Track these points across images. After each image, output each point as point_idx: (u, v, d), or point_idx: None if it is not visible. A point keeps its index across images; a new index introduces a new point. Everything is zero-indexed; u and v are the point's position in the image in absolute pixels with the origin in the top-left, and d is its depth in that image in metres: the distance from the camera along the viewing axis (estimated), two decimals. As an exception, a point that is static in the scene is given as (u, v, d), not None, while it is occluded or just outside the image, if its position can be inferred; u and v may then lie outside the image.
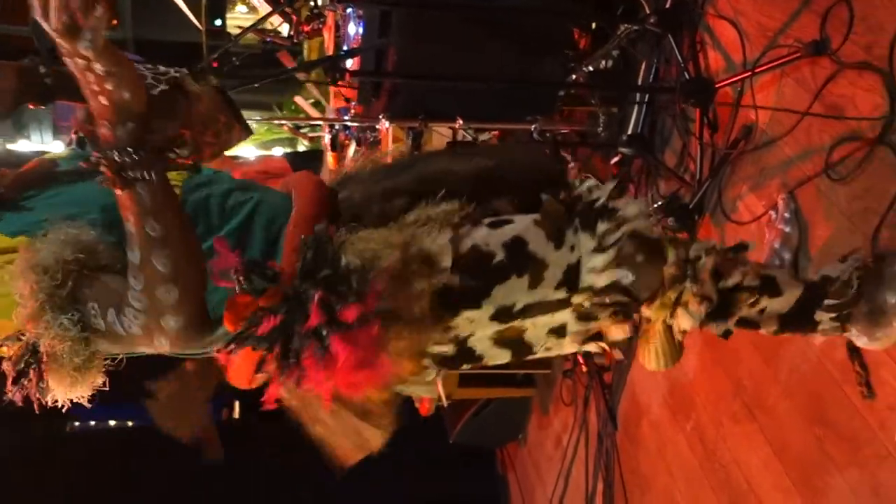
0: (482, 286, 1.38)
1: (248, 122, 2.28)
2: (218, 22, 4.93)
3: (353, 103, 3.18)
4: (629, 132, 3.07)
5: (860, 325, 1.73)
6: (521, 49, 3.06)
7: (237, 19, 7.03)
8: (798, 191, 2.29)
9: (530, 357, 1.52)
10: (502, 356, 1.48)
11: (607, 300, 1.42)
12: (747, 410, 2.52)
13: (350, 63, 3.11)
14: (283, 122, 4.38)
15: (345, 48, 3.26)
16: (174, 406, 1.49)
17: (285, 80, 4.72)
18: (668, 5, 2.85)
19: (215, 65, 2.58)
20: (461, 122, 3.02)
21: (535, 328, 1.45)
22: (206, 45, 4.47)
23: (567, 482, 3.82)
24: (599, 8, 3.26)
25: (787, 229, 2.30)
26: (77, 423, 5.43)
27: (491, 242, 1.41)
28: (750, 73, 2.43)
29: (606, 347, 1.51)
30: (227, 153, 2.29)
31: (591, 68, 3.12)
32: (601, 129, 3.20)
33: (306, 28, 4.05)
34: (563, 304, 1.42)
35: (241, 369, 1.25)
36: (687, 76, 2.72)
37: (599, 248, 1.43)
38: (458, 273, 1.36)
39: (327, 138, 3.22)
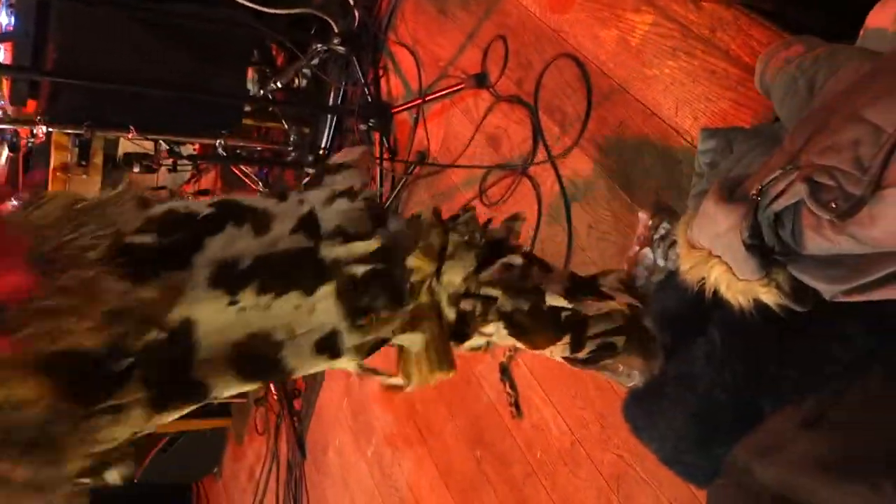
0: (187, 239, 1.06)
1: None
2: None
3: (3, 102, 2.78)
4: (318, 153, 3.02)
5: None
6: (202, 59, 2.87)
7: None
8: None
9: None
10: (247, 387, 1.12)
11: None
12: (419, 433, 2.53)
13: (2, 54, 2.72)
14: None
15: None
16: None
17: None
18: (354, 28, 2.84)
19: None
20: (135, 131, 2.76)
21: (294, 342, 1.12)
22: None
23: (260, 515, 3.65)
24: (294, 26, 3.18)
25: None
26: None
27: (192, 205, 1.12)
28: (421, 101, 2.48)
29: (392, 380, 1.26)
30: None
31: (279, 85, 3.02)
32: (291, 148, 3.11)
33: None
34: (312, 263, 1.12)
35: None
36: (369, 99, 2.72)
37: (332, 197, 1.20)
38: (152, 232, 1.04)
39: (-28, 142, 2.79)
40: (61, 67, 2.64)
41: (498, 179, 2.24)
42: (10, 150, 2.81)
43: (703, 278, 1.16)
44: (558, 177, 2.01)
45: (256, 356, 1.09)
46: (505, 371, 2.13)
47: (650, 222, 1.55)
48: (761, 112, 1.54)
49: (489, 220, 1.42)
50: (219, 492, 4.14)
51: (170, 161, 2.80)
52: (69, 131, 2.75)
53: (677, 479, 1.66)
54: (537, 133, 2.09)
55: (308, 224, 1.15)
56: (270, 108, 3.37)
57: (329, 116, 3.02)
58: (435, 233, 1.26)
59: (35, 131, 2.65)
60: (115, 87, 2.61)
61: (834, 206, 0.92)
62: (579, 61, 1.98)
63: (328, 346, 1.15)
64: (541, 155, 2.09)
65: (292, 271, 1.11)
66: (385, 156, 2.68)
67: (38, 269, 0.91)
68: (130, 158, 2.96)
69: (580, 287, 1.46)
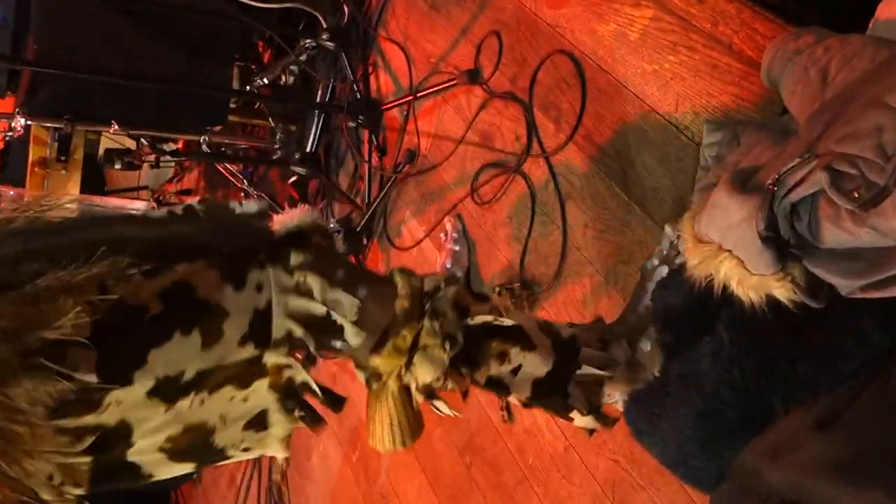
0: (132, 352, 0.99)
1: None
2: None
3: (-19, 96, 2.71)
4: (305, 151, 2.96)
5: (620, 384, 1.46)
6: (187, 53, 2.81)
7: None
8: (464, 212, 2.30)
9: (223, 462, 1.15)
10: (182, 470, 1.08)
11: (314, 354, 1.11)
12: (406, 438, 2.47)
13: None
14: None
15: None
16: None
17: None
18: (343, 24, 2.79)
19: None
20: (116, 126, 2.69)
21: (224, 427, 1.09)
22: None
23: (241, 522, 3.56)
24: (282, 21, 3.12)
25: (457, 248, 2.30)
26: None
27: (142, 293, 1.01)
28: (412, 98, 2.43)
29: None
30: None
31: (265, 81, 2.96)
32: (277, 146, 3.05)
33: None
34: (253, 367, 1.09)
35: None
36: (358, 96, 2.67)
37: (297, 289, 1.11)
38: (96, 341, 0.94)
39: (-53, 136, 2.71)
40: (42, 58, 2.57)
41: (490, 178, 2.19)
42: (-12, 144, 2.73)
43: (712, 274, 1.12)
44: (553, 174, 1.97)
45: (189, 443, 1.06)
46: (496, 374, 2.08)
47: (675, 240, 1.48)
48: (765, 107, 1.50)
49: (476, 295, 1.31)
50: (198, 498, 4.05)
51: (153, 157, 2.72)
52: (48, 125, 2.68)
53: (676, 485, 1.62)
54: (531, 130, 2.05)
55: (259, 328, 1.08)
56: (256, 106, 3.31)
57: (316, 114, 2.96)
58: (407, 328, 1.18)
59: (13, 124, 2.58)
60: (97, 78, 2.53)
61: (856, 195, 0.88)
62: (575, 57, 1.93)
63: (256, 423, 1.13)
64: (535, 152, 2.04)
65: (231, 375, 1.07)
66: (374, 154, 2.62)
67: None
68: (112, 155, 2.87)
69: (550, 391, 1.36)
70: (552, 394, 1.34)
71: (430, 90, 2.36)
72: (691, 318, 1.25)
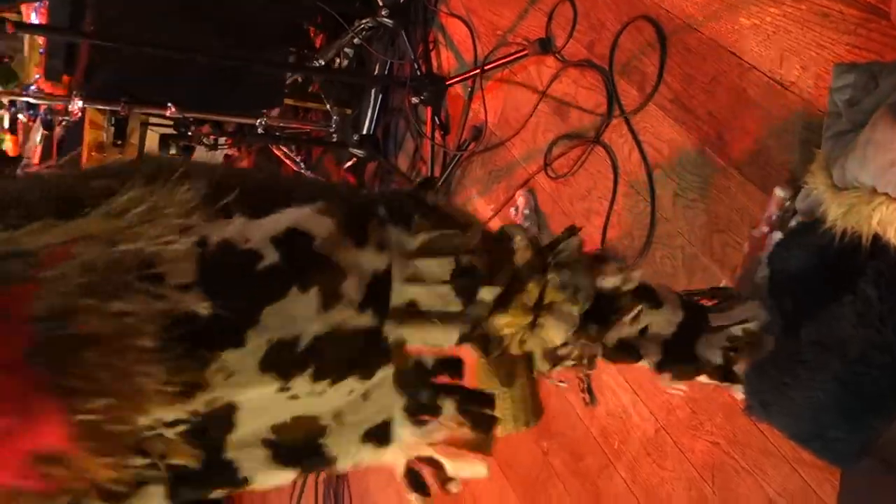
0: (244, 307, 0.86)
1: None
2: None
3: (38, 77, 2.68)
4: (363, 133, 2.88)
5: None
6: (244, 34, 2.76)
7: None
8: (536, 187, 2.21)
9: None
10: (283, 478, 0.93)
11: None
12: (475, 425, 2.38)
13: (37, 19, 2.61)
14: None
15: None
16: None
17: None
18: (401, 0, 2.71)
19: None
20: (174, 108, 2.64)
21: (340, 429, 0.96)
22: None
23: (297, 515, 3.50)
24: (336, 2, 3.06)
25: (527, 225, 2.21)
26: None
27: (253, 236, 0.89)
28: (479, 71, 2.34)
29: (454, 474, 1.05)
30: None
31: (322, 62, 2.89)
32: (333, 129, 2.98)
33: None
34: (374, 346, 0.95)
35: None
36: (419, 73, 2.58)
37: (420, 251, 0.98)
38: (204, 290, 0.81)
39: (6, 120, 2.68)
40: (100, 35, 2.52)
41: (566, 150, 2.09)
42: (45, 128, 2.70)
43: (856, 226, 1.01)
44: (637, 142, 1.86)
45: (296, 439, 0.93)
46: (576, 354, 1.98)
47: (787, 203, 1.36)
48: (886, 55, 1.38)
49: (597, 257, 1.17)
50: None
51: (210, 138, 2.67)
52: (105, 108, 2.63)
53: (786, 468, 1.51)
54: (612, 97, 1.94)
55: (379, 292, 0.94)
56: (310, 89, 3.24)
57: (373, 95, 2.89)
58: (533, 282, 1.04)
59: (70, 107, 2.54)
60: (157, 54, 2.47)
61: None
62: (659, 18, 1.83)
63: (377, 435, 0.98)
64: (616, 122, 1.94)
65: (354, 356, 0.94)
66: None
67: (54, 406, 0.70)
68: (167, 140, 2.82)
69: (680, 350, 1.26)
70: (682, 353, 1.24)
71: (499, 62, 2.27)
72: (825, 279, 1.14)
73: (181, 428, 0.81)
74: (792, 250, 1.26)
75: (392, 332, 0.94)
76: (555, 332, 1.04)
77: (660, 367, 1.23)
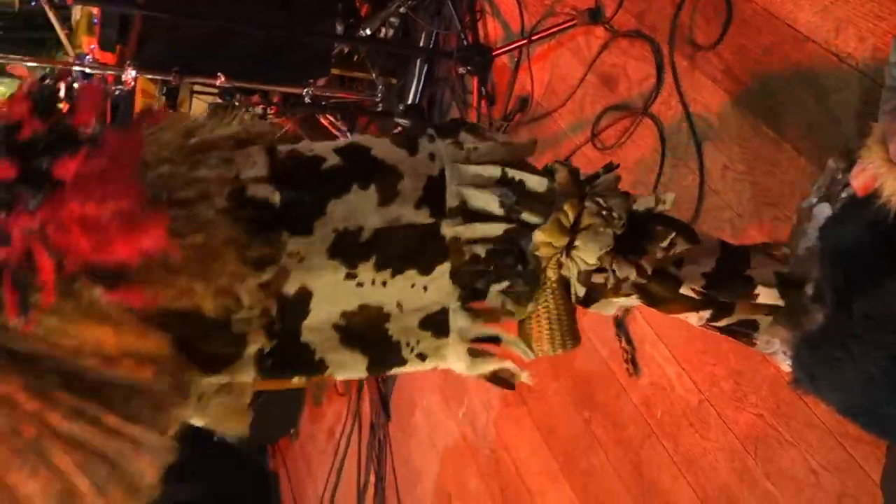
0: (311, 200, 0.99)
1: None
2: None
3: (94, 47, 2.74)
4: (408, 103, 2.90)
5: (780, 332, 1.38)
6: (291, 6, 2.78)
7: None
8: (582, 159, 2.21)
9: (397, 369, 1.09)
10: (354, 365, 1.05)
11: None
12: (518, 394, 2.41)
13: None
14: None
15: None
16: None
17: (39, 40, 4.09)
18: (448, -31, 2.70)
19: None
20: (223, 78, 2.68)
21: (401, 315, 1.05)
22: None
23: (339, 476, 3.58)
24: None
25: None
26: None
27: (317, 148, 1.04)
28: (526, 42, 2.33)
29: (513, 367, 1.12)
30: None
31: (368, 31, 2.90)
32: (378, 98, 2.99)
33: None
34: (432, 243, 1.05)
35: None
36: (465, 43, 2.58)
37: (468, 159, 1.08)
38: (276, 185, 0.97)
39: (62, 88, 2.74)
40: (152, 6, 2.57)
41: (613, 121, 2.09)
42: (99, 97, 2.75)
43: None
44: (687, 114, 1.85)
45: (363, 324, 1.04)
46: (620, 325, 1.99)
47: (840, 175, 1.35)
48: (949, 27, 1.35)
49: (629, 194, 1.21)
50: (295, 452, 4.10)
51: (259, 108, 2.71)
52: (157, 77, 2.68)
53: (831, 441, 1.51)
54: (662, 68, 1.93)
55: (433, 193, 1.06)
56: (356, 58, 3.26)
57: (419, 64, 2.90)
58: (569, 204, 1.10)
59: (124, 77, 2.59)
60: (207, 25, 2.52)
61: None
62: (713, -13, 1.80)
63: (434, 324, 1.08)
64: (665, 93, 1.93)
65: (412, 250, 1.05)
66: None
67: (161, 216, 0.84)
68: (217, 110, 2.86)
69: (725, 277, 1.29)
70: (729, 278, 1.28)
71: (547, 33, 2.26)
72: (879, 254, 1.14)
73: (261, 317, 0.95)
74: (845, 224, 1.25)
75: (448, 230, 1.05)
76: (589, 252, 1.10)
77: (705, 297, 1.27)
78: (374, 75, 3.07)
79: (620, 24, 2.08)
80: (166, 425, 0.90)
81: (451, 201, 1.06)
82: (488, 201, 1.07)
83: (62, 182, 0.77)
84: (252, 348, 0.97)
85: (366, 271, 1.03)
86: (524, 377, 1.14)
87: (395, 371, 1.11)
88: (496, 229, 1.07)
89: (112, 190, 0.78)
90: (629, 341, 1.97)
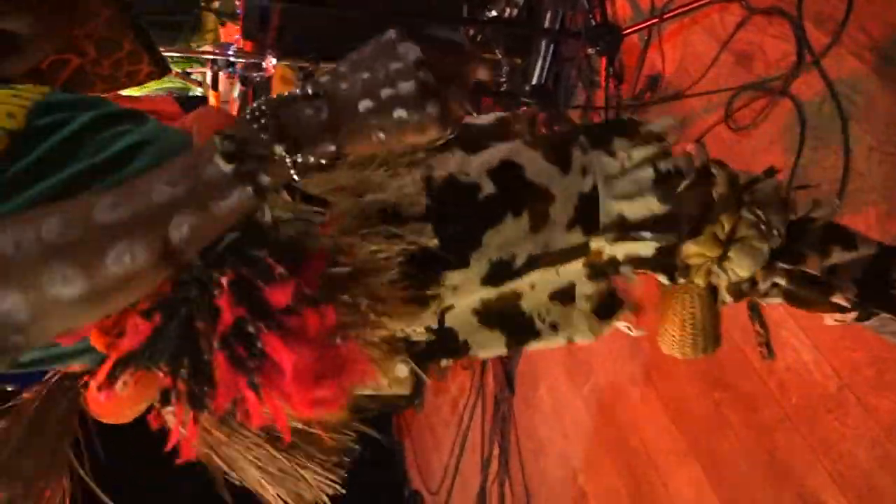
0: (468, 233, 1.00)
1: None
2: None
3: (238, 37, 2.90)
4: (533, 83, 2.92)
5: None
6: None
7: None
8: (715, 139, 2.18)
9: (534, 344, 1.13)
10: (493, 342, 1.10)
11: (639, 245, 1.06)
12: (645, 373, 2.43)
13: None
14: (171, 55, 3.97)
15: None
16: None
17: (177, 24, 4.34)
18: (575, -53, 2.70)
19: None
20: (355, 63, 2.78)
21: (533, 291, 1.09)
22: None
23: (463, 447, 3.70)
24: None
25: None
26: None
27: (471, 170, 1.02)
28: (658, 20, 2.31)
29: (630, 325, 1.15)
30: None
31: (493, 13, 2.94)
32: (504, 79, 3.03)
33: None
34: (577, 252, 1.08)
35: (121, 402, 0.84)
36: (593, 22, 2.57)
37: (622, 171, 1.06)
38: (434, 220, 0.97)
39: (208, 76, 2.93)
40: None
41: (749, 101, 2.05)
42: (242, 84, 2.93)
43: None
44: (833, 93, 1.80)
45: (498, 305, 1.09)
46: (755, 308, 1.96)
47: None
48: None
49: (787, 198, 1.18)
50: (420, 423, 4.26)
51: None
52: (296, 63, 2.82)
53: (984, 433, 1.47)
54: (802, 45, 1.88)
55: (586, 212, 1.05)
56: (478, 37, 3.30)
57: (544, 45, 2.91)
58: (726, 215, 1.09)
59: (265, 64, 2.74)
60: (340, 19, 2.62)
61: None
62: (861, -39, 1.74)
63: (561, 294, 1.12)
64: (805, 73, 1.88)
65: (558, 260, 1.08)
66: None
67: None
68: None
69: (879, 286, 1.24)
70: (882, 287, 1.23)
71: (680, 10, 2.23)
72: None
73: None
74: None
75: (597, 244, 1.07)
76: (743, 267, 1.09)
77: (857, 306, 1.24)
78: (498, 55, 3.10)
79: (757, 1, 2.03)
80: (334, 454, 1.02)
81: (605, 218, 1.06)
82: (647, 204, 1.06)
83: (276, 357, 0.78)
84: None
85: (511, 283, 1.08)
86: (636, 333, 1.17)
87: (531, 346, 1.14)
88: (648, 249, 1.07)
89: (324, 368, 0.79)
90: (763, 325, 1.94)
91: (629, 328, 1.16)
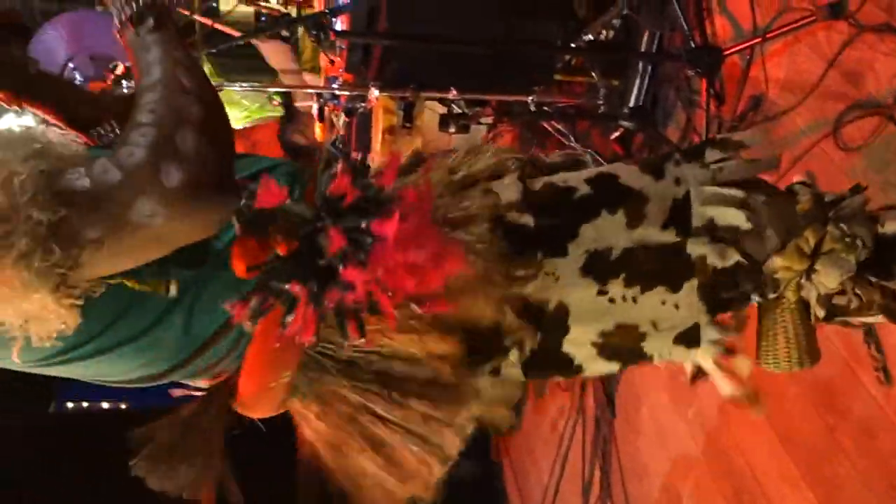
0: (565, 224, 1.11)
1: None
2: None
3: (342, 71, 3.03)
4: (630, 105, 2.93)
5: None
6: (515, 14, 2.91)
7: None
8: (814, 164, 2.15)
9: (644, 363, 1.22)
10: (608, 368, 1.19)
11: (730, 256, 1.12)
12: (752, 397, 2.38)
13: (339, 25, 2.95)
14: (272, 92, 4.19)
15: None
16: (163, 461, 1.05)
17: (265, 69, 4.53)
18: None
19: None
20: (455, 92, 2.86)
21: (656, 333, 1.15)
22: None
23: (563, 468, 3.70)
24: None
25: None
26: (69, 405, 5.08)
27: (570, 179, 1.14)
28: (760, 40, 2.28)
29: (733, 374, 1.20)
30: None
31: (590, 37, 2.96)
32: (601, 101, 3.05)
33: (297, -1, 3.89)
34: (678, 261, 1.13)
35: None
36: (693, 44, 2.57)
37: (713, 180, 1.15)
38: (532, 211, 1.10)
39: (315, 109, 3.07)
40: (393, 31, 2.81)
41: (857, 118, 2.00)
42: (346, 115, 3.05)
43: None
44: (948, 112, 1.75)
45: (620, 343, 1.15)
46: (870, 332, 1.92)
47: None
48: None
49: (877, 217, 1.21)
50: (518, 443, 4.27)
51: (490, 119, 2.86)
52: (397, 95, 2.92)
53: None
54: (917, 63, 1.83)
55: (679, 215, 1.13)
56: (572, 62, 3.33)
57: (642, 66, 2.91)
58: (811, 229, 1.14)
59: (369, 96, 2.85)
60: (439, 50, 2.71)
61: None
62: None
63: (687, 339, 1.17)
64: (919, 89, 1.83)
65: (659, 267, 1.13)
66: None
67: (458, 250, 0.99)
68: (447, 119, 3.06)
69: None
70: None
71: (783, 30, 2.20)
72: None
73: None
74: None
75: (694, 249, 1.13)
76: (829, 277, 1.14)
77: None
78: (595, 77, 3.12)
79: (867, 18, 1.99)
80: (461, 407, 1.07)
81: (697, 221, 1.13)
82: (736, 217, 1.12)
83: (382, 237, 0.92)
84: (515, 354, 1.12)
85: (616, 287, 1.13)
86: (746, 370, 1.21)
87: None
88: (733, 255, 1.14)
89: (423, 240, 0.94)
90: (880, 349, 1.90)
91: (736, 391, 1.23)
